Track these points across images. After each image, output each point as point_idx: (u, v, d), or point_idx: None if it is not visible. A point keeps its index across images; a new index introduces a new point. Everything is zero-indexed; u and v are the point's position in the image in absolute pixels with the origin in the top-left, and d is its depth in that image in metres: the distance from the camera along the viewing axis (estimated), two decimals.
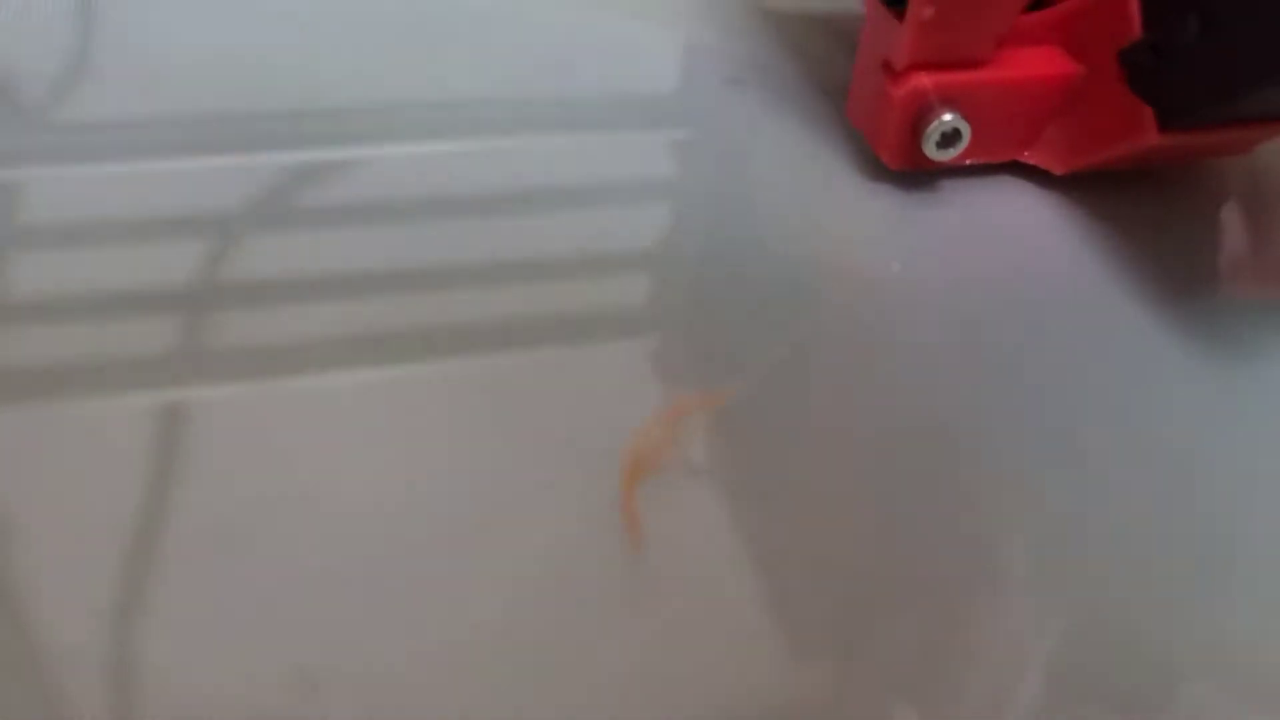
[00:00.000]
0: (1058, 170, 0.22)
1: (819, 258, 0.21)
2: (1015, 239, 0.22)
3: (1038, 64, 0.21)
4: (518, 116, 0.24)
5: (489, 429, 0.17)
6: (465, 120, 0.23)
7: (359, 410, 0.17)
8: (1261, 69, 0.18)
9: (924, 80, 0.21)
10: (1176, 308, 0.21)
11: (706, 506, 0.17)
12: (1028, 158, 0.22)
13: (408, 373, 0.18)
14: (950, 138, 0.21)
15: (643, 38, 0.26)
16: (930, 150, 0.21)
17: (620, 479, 0.17)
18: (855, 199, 0.22)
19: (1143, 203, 0.23)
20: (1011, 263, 0.21)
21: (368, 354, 0.18)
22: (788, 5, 0.28)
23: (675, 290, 0.20)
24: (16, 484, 0.16)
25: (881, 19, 0.21)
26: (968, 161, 0.22)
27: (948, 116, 0.21)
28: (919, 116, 0.21)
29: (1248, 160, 0.24)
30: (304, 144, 0.22)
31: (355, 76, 0.24)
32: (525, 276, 0.20)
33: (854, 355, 0.19)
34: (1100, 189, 0.23)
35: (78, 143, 0.22)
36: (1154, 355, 0.20)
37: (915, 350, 0.20)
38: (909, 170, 0.22)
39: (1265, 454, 0.19)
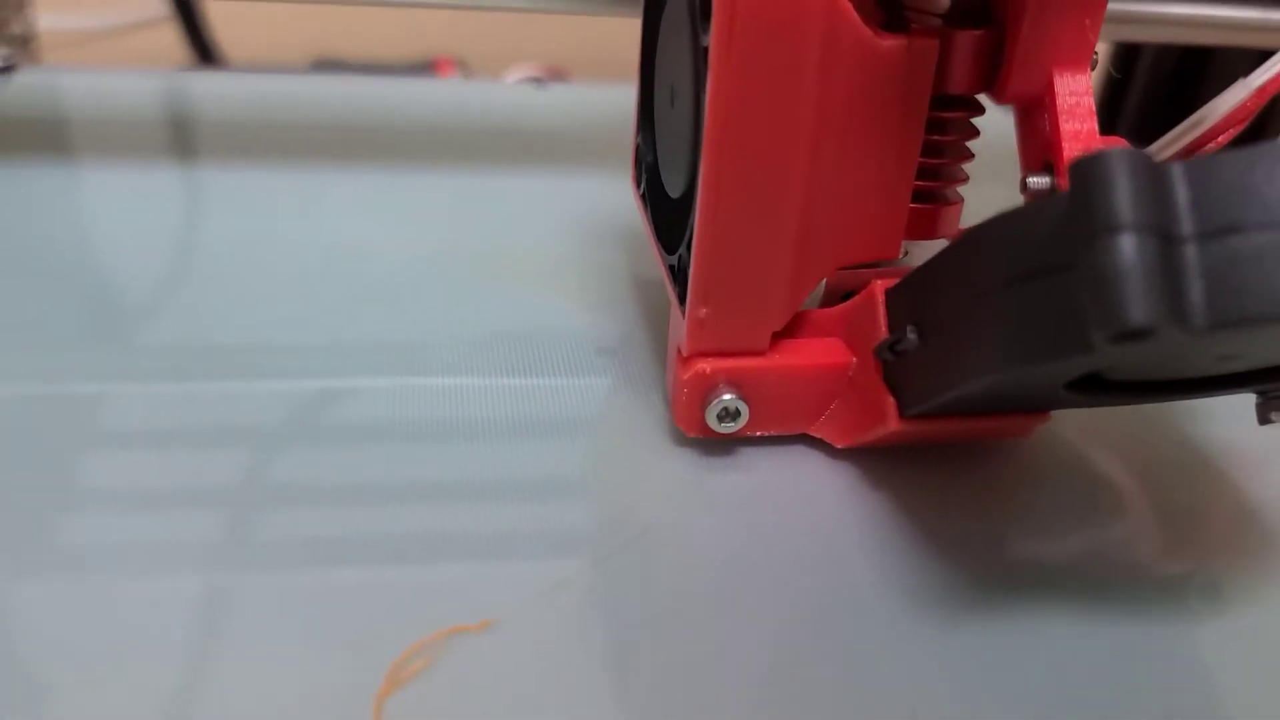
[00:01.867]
0: (838, 444, 0.25)
1: (617, 508, 0.24)
2: (794, 501, 0.25)
3: (816, 353, 0.25)
4: (447, 363, 0.29)
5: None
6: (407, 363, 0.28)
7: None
8: (958, 373, 0.21)
9: (705, 365, 0.24)
10: (931, 578, 0.23)
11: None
12: (815, 432, 0.26)
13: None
14: (730, 414, 0.24)
15: (546, 307, 0.31)
16: (713, 424, 0.25)
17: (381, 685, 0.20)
18: (660, 460, 0.26)
19: (926, 476, 0.26)
20: (780, 522, 0.24)
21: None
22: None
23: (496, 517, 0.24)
24: (62, 651, 0.20)
25: (675, 313, 0.25)
26: (758, 433, 0.25)
27: (727, 396, 0.24)
28: (704, 395, 0.24)
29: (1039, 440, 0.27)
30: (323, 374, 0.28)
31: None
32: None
33: (618, 592, 0.22)
34: (889, 460, 0.26)
35: (156, 365, 0.28)
36: (888, 618, 0.22)
37: (672, 588, 0.23)
38: (706, 438, 0.25)
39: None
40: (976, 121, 0.25)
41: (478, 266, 0.32)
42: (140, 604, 0.21)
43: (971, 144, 0.26)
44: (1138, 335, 0.16)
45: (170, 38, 0.70)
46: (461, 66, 0.70)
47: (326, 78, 0.49)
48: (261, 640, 0.21)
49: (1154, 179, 0.17)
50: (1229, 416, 0.28)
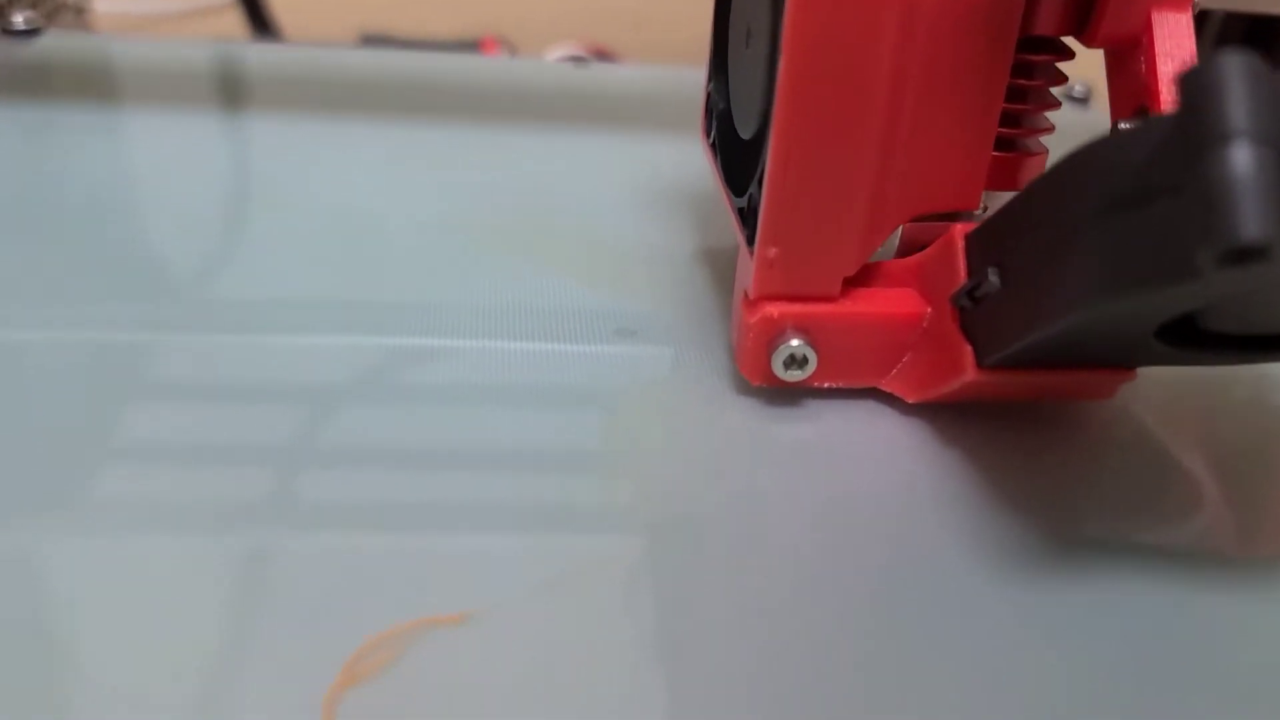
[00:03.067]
0: (909, 399, 0.24)
1: (681, 461, 0.23)
2: (862, 458, 0.24)
3: (889, 303, 0.24)
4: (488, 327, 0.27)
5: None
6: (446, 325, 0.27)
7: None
8: (1045, 311, 0.20)
9: (773, 310, 0.23)
10: (1006, 539, 0.22)
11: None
12: (885, 385, 0.25)
13: None
14: (798, 361, 0.24)
15: (588, 278, 0.30)
16: (779, 371, 0.24)
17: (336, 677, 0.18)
18: (723, 410, 0.25)
19: (1000, 436, 0.25)
20: (847, 476, 0.23)
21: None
22: (711, 247, 0.31)
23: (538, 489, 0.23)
24: (101, 607, 0.19)
25: (744, 255, 0.24)
26: (825, 385, 0.24)
27: (795, 342, 0.23)
28: (770, 341, 0.24)
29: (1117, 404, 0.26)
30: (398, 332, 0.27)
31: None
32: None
33: (673, 557, 0.22)
34: (964, 418, 0.25)
35: (211, 317, 0.27)
36: (966, 576, 0.21)
37: (732, 552, 0.22)
38: (771, 387, 0.24)
39: (1072, 682, 0.20)
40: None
41: (521, 236, 0.32)
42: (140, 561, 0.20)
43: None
44: (1251, 254, 0.15)
45: (232, 23, 0.70)
46: (506, 46, 0.69)
47: (368, 50, 0.48)
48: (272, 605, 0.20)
49: (1274, 89, 0.16)
50: None
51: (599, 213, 0.33)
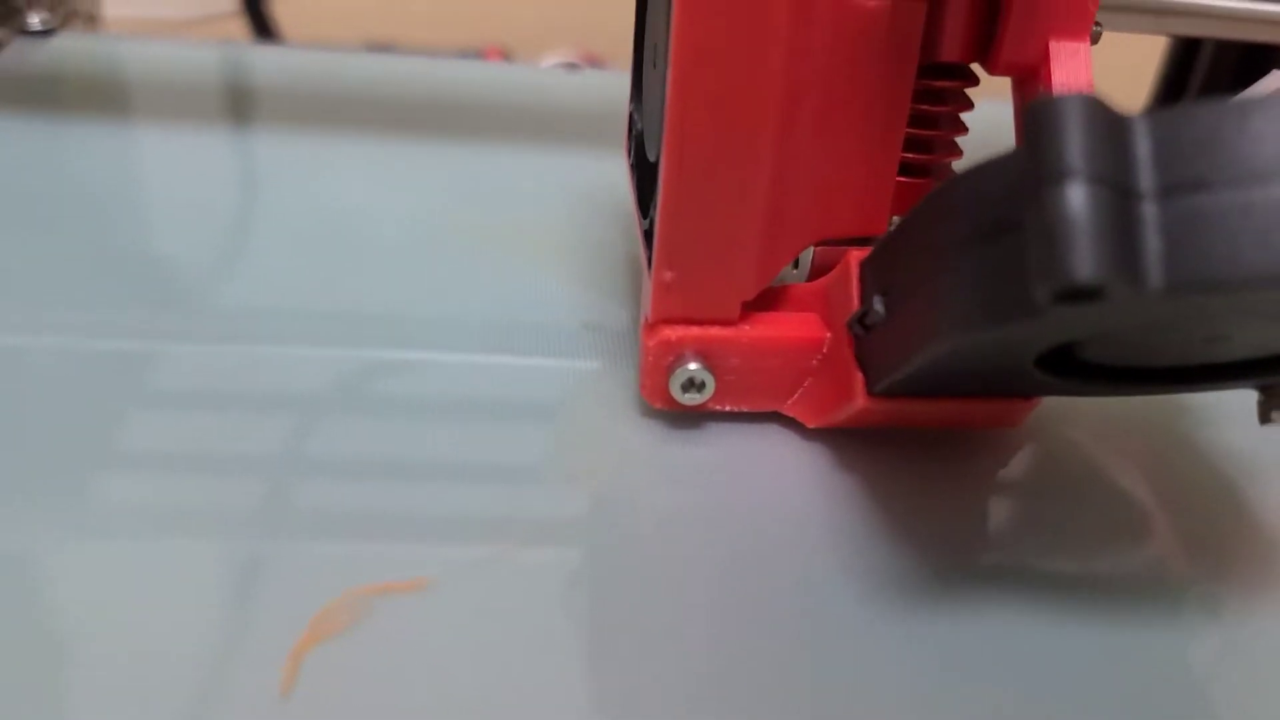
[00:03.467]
0: (809, 424, 0.24)
1: (575, 477, 0.24)
2: (758, 482, 0.24)
3: (788, 327, 0.24)
4: (432, 337, 0.28)
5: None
6: (393, 336, 0.28)
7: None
8: (916, 342, 0.20)
9: (670, 333, 0.23)
10: (897, 567, 0.22)
11: (364, 676, 0.19)
12: (786, 410, 0.25)
13: None
14: (695, 384, 0.24)
15: (533, 282, 0.30)
16: (678, 394, 0.24)
17: (301, 637, 0.19)
18: (624, 430, 0.25)
19: (902, 464, 0.24)
20: (741, 498, 0.23)
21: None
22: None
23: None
24: (96, 611, 0.20)
25: (646, 279, 0.24)
26: (726, 408, 0.24)
27: (692, 366, 0.23)
28: (669, 363, 0.24)
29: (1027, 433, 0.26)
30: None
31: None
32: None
33: (564, 563, 0.22)
34: (867, 445, 0.25)
35: (210, 327, 0.27)
36: (855, 603, 0.21)
37: (623, 561, 0.22)
38: (672, 410, 0.24)
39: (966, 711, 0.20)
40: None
41: (479, 241, 0.32)
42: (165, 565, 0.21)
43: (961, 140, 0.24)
44: (1083, 293, 0.15)
45: (236, 30, 0.71)
46: (509, 55, 0.70)
47: (369, 56, 0.49)
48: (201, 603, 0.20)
49: (1113, 128, 0.16)
50: (1237, 418, 0.26)
51: (560, 221, 0.33)
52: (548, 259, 0.31)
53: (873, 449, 0.25)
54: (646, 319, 0.24)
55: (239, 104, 0.41)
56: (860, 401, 0.22)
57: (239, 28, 0.71)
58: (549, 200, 0.35)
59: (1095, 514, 0.24)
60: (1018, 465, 0.25)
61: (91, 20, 0.61)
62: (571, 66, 0.50)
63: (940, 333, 0.18)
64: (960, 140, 0.25)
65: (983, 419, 0.24)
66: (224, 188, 0.34)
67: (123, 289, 0.28)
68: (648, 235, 0.24)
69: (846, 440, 0.25)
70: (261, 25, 0.72)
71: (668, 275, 0.23)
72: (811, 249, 0.25)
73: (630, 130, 0.28)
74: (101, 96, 0.40)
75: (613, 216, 0.34)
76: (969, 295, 0.18)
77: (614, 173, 0.36)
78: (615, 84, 0.44)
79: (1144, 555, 0.23)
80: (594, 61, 0.62)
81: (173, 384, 0.25)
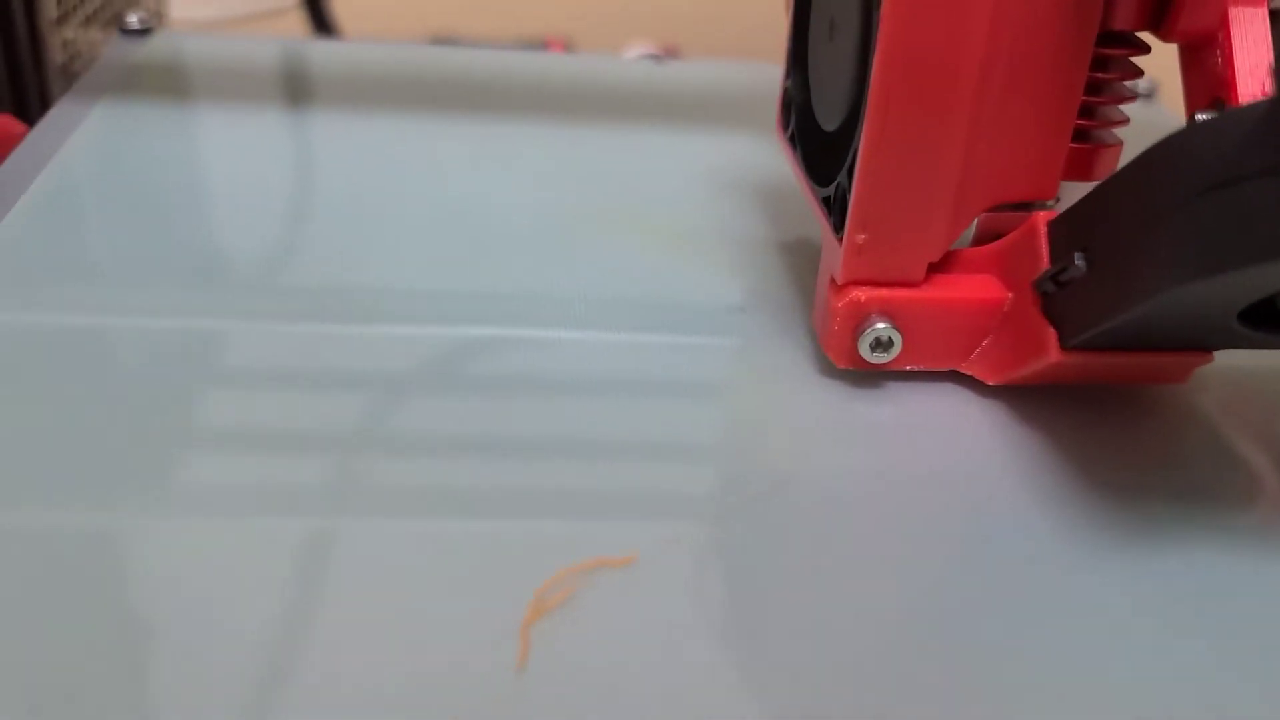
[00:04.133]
0: (989, 381, 0.25)
1: (762, 446, 0.24)
2: (944, 437, 0.25)
3: (971, 288, 0.25)
4: (576, 317, 0.28)
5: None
6: (551, 316, 0.28)
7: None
8: (1134, 292, 0.21)
9: (860, 294, 0.24)
10: (1082, 516, 0.23)
11: (591, 646, 0.19)
12: (965, 368, 0.26)
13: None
14: (883, 344, 0.24)
15: (678, 268, 0.31)
16: (865, 354, 0.25)
17: (526, 612, 0.20)
18: (807, 393, 0.26)
19: (1077, 417, 0.25)
20: (932, 457, 0.24)
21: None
22: (801, 239, 0.32)
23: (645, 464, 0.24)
24: (172, 588, 0.20)
25: (830, 242, 0.25)
26: (909, 367, 0.25)
27: (880, 325, 0.24)
28: (857, 324, 0.24)
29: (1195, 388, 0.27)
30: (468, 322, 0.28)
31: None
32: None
33: (766, 536, 0.22)
34: (1037, 401, 0.26)
35: (278, 305, 0.28)
36: (1048, 550, 0.22)
37: (819, 535, 0.22)
38: (856, 369, 0.25)
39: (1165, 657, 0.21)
40: None
41: (605, 224, 0.33)
42: (250, 545, 0.21)
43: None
44: None
45: (294, 27, 0.72)
46: (571, 47, 0.71)
47: (453, 48, 0.50)
48: (374, 587, 0.20)
49: None
50: None
51: (680, 204, 0.34)
52: (679, 241, 0.32)
53: (1046, 404, 0.26)
54: (833, 280, 0.25)
55: (317, 94, 0.42)
56: (1054, 356, 0.23)
57: (297, 23, 0.71)
58: (668, 184, 0.36)
59: (1238, 473, 0.25)
60: (1174, 424, 0.26)
61: (159, 18, 0.62)
62: (655, 58, 0.50)
63: (1172, 281, 0.19)
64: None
65: (1154, 374, 0.25)
66: (295, 171, 0.35)
67: (214, 270, 0.29)
68: (828, 202, 0.25)
69: (1021, 396, 0.26)
70: (320, 21, 0.73)
71: (860, 237, 0.24)
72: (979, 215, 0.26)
73: (786, 105, 0.29)
74: (187, 89, 0.40)
75: (740, 196, 0.35)
76: (1205, 243, 0.18)
77: (733, 154, 0.37)
78: (706, 73, 0.46)
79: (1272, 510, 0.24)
80: (671, 53, 0.63)
81: (356, 365, 0.26)
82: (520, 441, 0.24)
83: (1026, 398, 0.26)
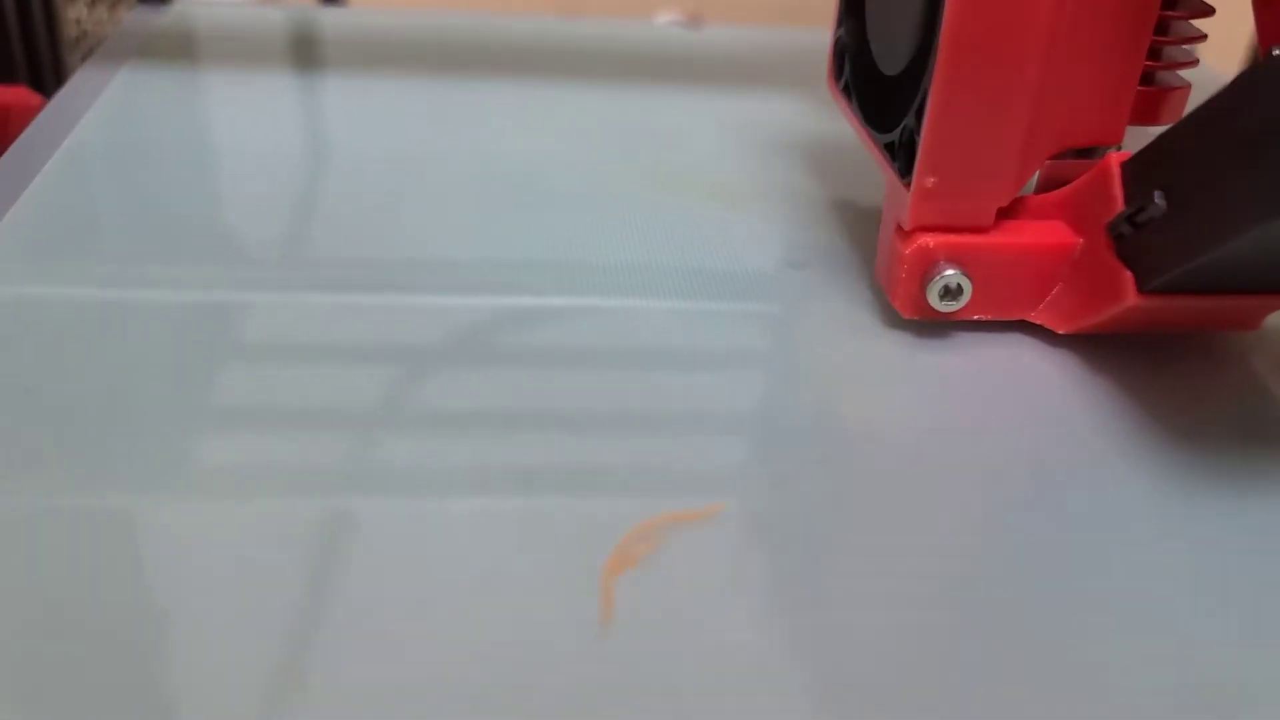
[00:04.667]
0: (1060, 330, 0.25)
1: (830, 398, 0.24)
2: (1014, 386, 0.24)
3: (1040, 234, 0.24)
4: (630, 283, 0.27)
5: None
6: (588, 283, 0.27)
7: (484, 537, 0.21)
8: (1219, 229, 0.20)
9: (928, 240, 0.24)
10: (1163, 464, 0.23)
11: (673, 601, 0.19)
12: (1034, 317, 0.25)
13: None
14: (952, 291, 0.24)
15: (732, 227, 0.30)
16: (934, 302, 0.24)
17: (606, 565, 0.19)
18: (874, 343, 0.25)
19: (1150, 366, 0.25)
20: (1004, 407, 0.24)
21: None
22: (849, 195, 0.32)
23: (714, 427, 0.24)
24: (191, 569, 0.19)
25: (896, 188, 0.24)
26: (976, 317, 0.25)
27: (950, 272, 0.24)
28: (925, 271, 0.24)
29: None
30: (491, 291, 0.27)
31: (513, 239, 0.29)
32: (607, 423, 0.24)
33: (840, 489, 0.22)
34: (1111, 350, 0.25)
35: (299, 276, 0.27)
36: (1136, 507, 0.22)
37: (893, 488, 0.22)
38: (922, 319, 0.25)
39: (1243, 606, 0.20)
40: None
41: (649, 185, 0.32)
42: (267, 525, 0.20)
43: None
44: None
45: None
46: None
47: (486, 13, 0.49)
48: (400, 569, 0.19)
49: None
50: None
51: (725, 163, 0.34)
52: (727, 201, 0.31)
53: (1117, 353, 0.25)
54: (899, 227, 0.24)
55: (343, 59, 0.41)
56: (1132, 299, 0.22)
57: None
58: (711, 144, 0.35)
59: None
60: (1249, 374, 0.26)
61: None
62: (684, 24, 0.50)
63: (1247, 219, 0.19)
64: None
65: (1226, 320, 0.25)
66: (371, 137, 0.34)
67: (229, 243, 0.28)
68: (892, 148, 0.25)
69: (1091, 345, 0.25)
70: None
71: (930, 181, 0.23)
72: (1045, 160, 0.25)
73: (838, 56, 0.28)
74: (207, 58, 0.40)
75: (784, 154, 0.34)
76: None
77: (774, 113, 0.36)
78: (737, 37, 0.45)
79: None
80: (696, 20, 0.62)
81: (289, 335, 0.25)
82: (576, 415, 0.23)
83: (1097, 347, 0.25)
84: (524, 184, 0.32)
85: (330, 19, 0.45)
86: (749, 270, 0.28)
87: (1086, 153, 0.25)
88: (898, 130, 0.24)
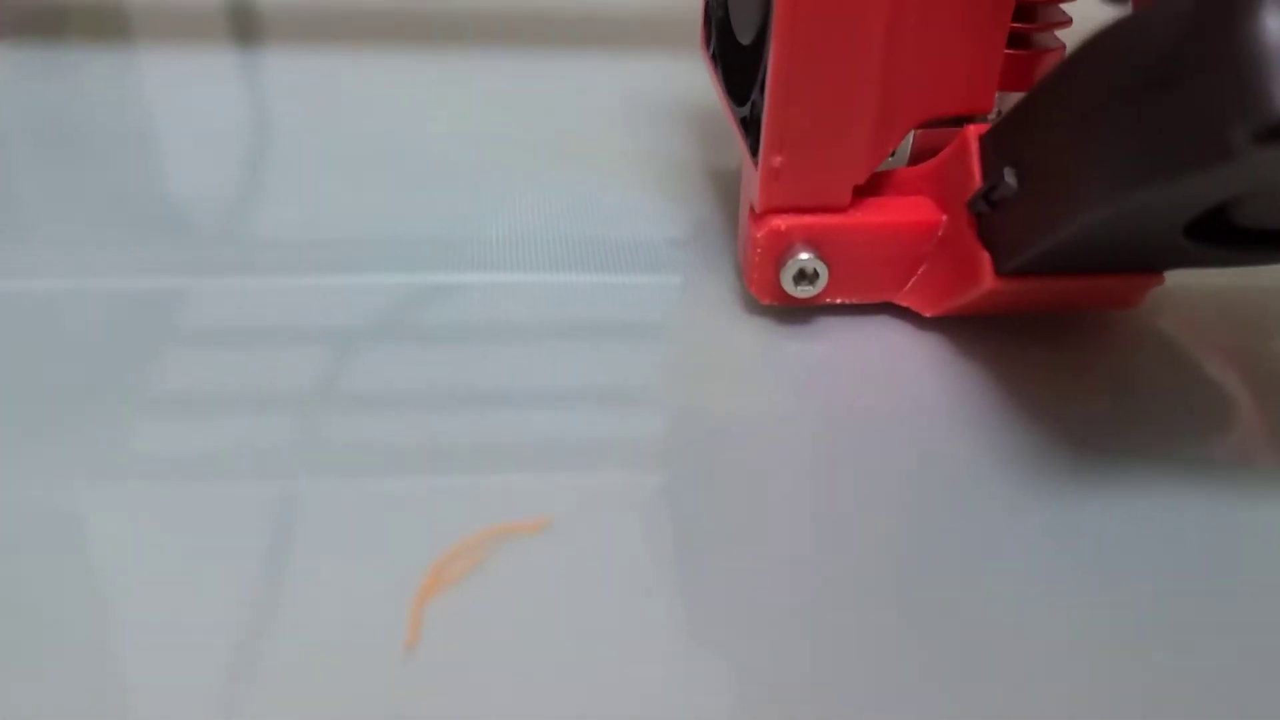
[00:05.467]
0: (926, 313, 0.23)
1: (687, 389, 0.23)
2: (878, 373, 0.23)
3: (902, 212, 0.23)
4: (504, 259, 0.26)
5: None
6: (471, 259, 0.26)
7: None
8: (1068, 208, 0.19)
9: (780, 222, 0.22)
10: (1026, 451, 0.21)
11: (488, 621, 0.18)
12: (901, 299, 0.24)
13: None
14: (808, 276, 0.23)
15: (612, 201, 0.29)
16: (789, 287, 0.23)
17: (421, 585, 0.18)
18: (732, 330, 0.24)
19: (1017, 349, 0.24)
20: (866, 395, 0.22)
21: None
22: (730, 163, 0.30)
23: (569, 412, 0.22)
24: (140, 554, 0.19)
25: (749, 167, 0.23)
26: (838, 300, 0.23)
27: (804, 256, 0.22)
28: (779, 256, 0.23)
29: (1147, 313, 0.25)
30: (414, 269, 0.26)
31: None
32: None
33: (694, 489, 0.21)
34: (980, 332, 0.24)
35: (235, 259, 0.26)
36: (988, 490, 0.21)
37: (750, 475, 0.21)
38: (782, 305, 0.24)
39: (1103, 588, 0.19)
40: None
41: (538, 154, 0.31)
42: (208, 509, 0.20)
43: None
44: None
45: None
46: None
47: None
48: (310, 547, 0.19)
49: None
50: None
51: (613, 132, 0.32)
52: (612, 171, 0.30)
53: (984, 336, 0.24)
54: (752, 209, 0.23)
55: (249, 32, 0.39)
56: (989, 283, 0.21)
57: None
58: (600, 111, 0.33)
59: (1207, 398, 0.23)
60: (1130, 351, 0.24)
61: None
62: None
63: (1108, 193, 0.17)
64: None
65: (1103, 299, 0.23)
66: (245, 114, 0.33)
67: (153, 227, 0.27)
68: (745, 123, 0.23)
69: (959, 328, 0.24)
70: None
71: (777, 160, 0.22)
72: (911, 133, 0.24)
73: (707, 20, 0.27)
74: (103, 33, 0.38)
75: (676, 121, 0.32)
76: (1140, 148, 0.16)
77: (669, 77, 0.35)
78: None
79: (1248, 437, 0.23)
80: None
81: (215, 320, 0.24)
82: (436, 393, 0.22)
83: (967, 329, 0.24)
84: (405, 159, 0.30)
85: None
86: (628, 247, 0.27)
87: (960, 121, 0.24)
88: (748, 105, 0.23)
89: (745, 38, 0.23)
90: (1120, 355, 0.24)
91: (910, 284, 0.23)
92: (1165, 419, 0.23)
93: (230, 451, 0.21)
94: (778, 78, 0.21)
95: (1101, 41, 0.18)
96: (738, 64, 0.24)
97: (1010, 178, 0.20)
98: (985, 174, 0.21)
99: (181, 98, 0.33)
